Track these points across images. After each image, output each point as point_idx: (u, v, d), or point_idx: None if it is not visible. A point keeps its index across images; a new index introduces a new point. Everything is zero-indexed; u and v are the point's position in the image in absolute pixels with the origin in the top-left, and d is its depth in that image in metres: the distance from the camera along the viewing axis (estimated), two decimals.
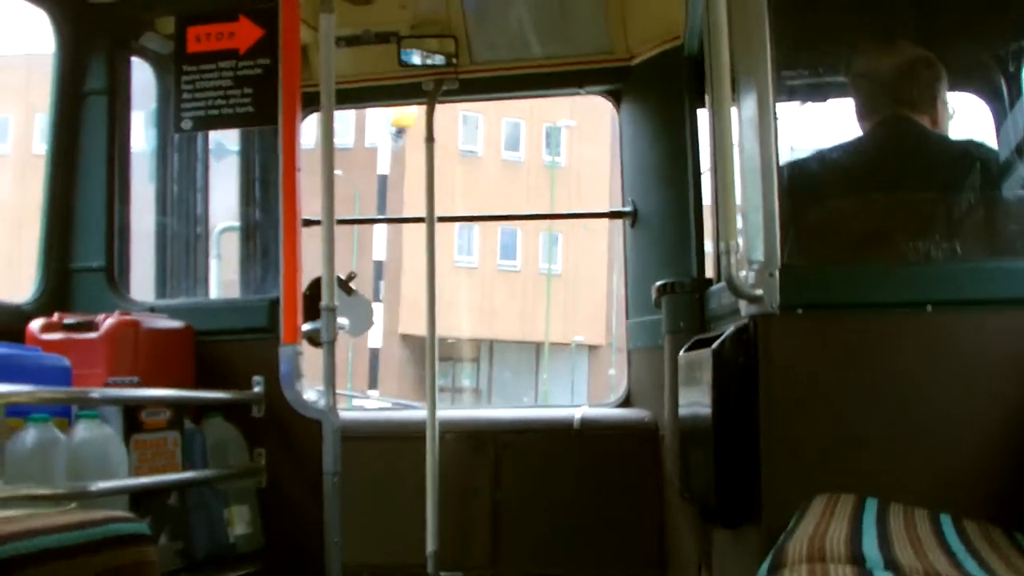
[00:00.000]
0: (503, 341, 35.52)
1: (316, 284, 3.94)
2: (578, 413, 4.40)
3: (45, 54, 4.47)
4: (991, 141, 3.66)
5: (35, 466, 3.06)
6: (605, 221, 4.83)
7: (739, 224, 2.79)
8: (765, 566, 1.88)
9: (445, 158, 29.68)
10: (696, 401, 3.04)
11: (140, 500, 3.39)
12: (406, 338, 31.15)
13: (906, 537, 2.11)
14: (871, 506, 2.41)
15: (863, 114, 3.38)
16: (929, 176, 3.29)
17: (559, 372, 34.06)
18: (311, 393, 4.04)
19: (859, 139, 3.36)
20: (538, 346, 34.93)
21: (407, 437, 4.41)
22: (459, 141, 33.92)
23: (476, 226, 34.84)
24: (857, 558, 1.83)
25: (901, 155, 3.32)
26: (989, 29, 3.80)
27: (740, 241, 2.75)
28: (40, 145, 21.67)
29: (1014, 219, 3.26)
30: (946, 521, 2.38)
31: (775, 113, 2.82)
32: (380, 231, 33.86)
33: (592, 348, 35.69)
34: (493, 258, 36.01)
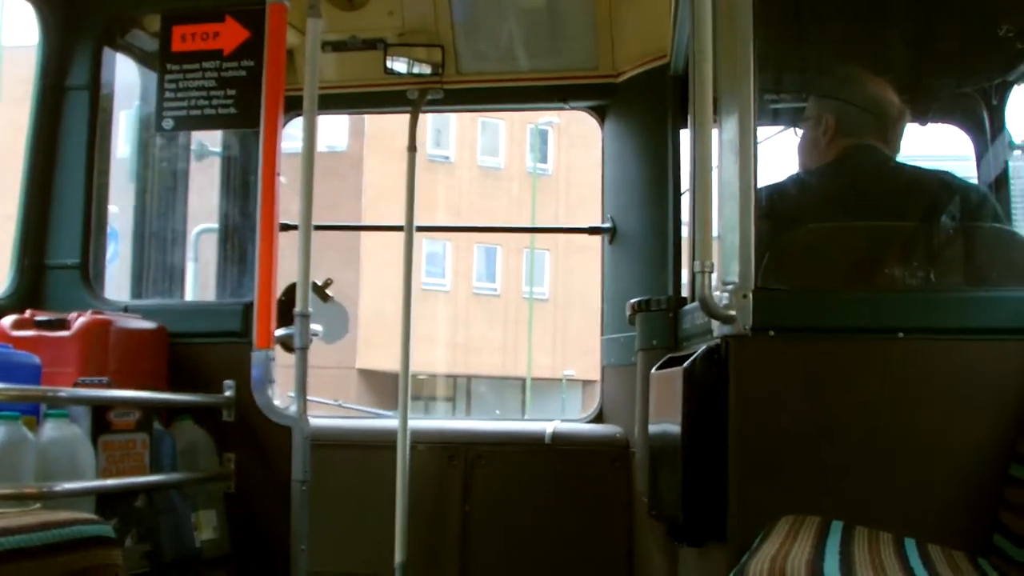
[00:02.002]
0: (482, 376, 30.47)
1: (292, 289, 3.93)
2: (550, 427, 4.40)
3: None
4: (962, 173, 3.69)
5: (2, 465, 3.03)
6: (599, 237, 4.88)
7: (715, 245, 2.80)
8: None
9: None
10: (666, 419, 3.05)
11: (107, 502, 3.37)
12: (366, 374, 27.25)
13: (869, 560, 2.11)
14: (836, 529, 2.42)
15: (831, 139, 3.40)
16: (903, 204, 3.31)
17: (547, 411, 30.03)
18: (284, 399, 4.03)
19: (831, 164, 3.38)
20: (523, 382, 30.63)
21: (378, 446, 4.39)
22: (428, 145, 29.13)
23: (448, 243, 30.30)
24: None
25: (877, 181, 3.35)
26: (970, 63, 3.84)
27: (715, 262, 2.76)
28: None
29: (985, 249, 3.27)
30: (911, 545, 2.39)
31: (755, 136, 2.83)
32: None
33: (586, 384, 28.93)
34: (468, 280, 30.67)
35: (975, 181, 3.86)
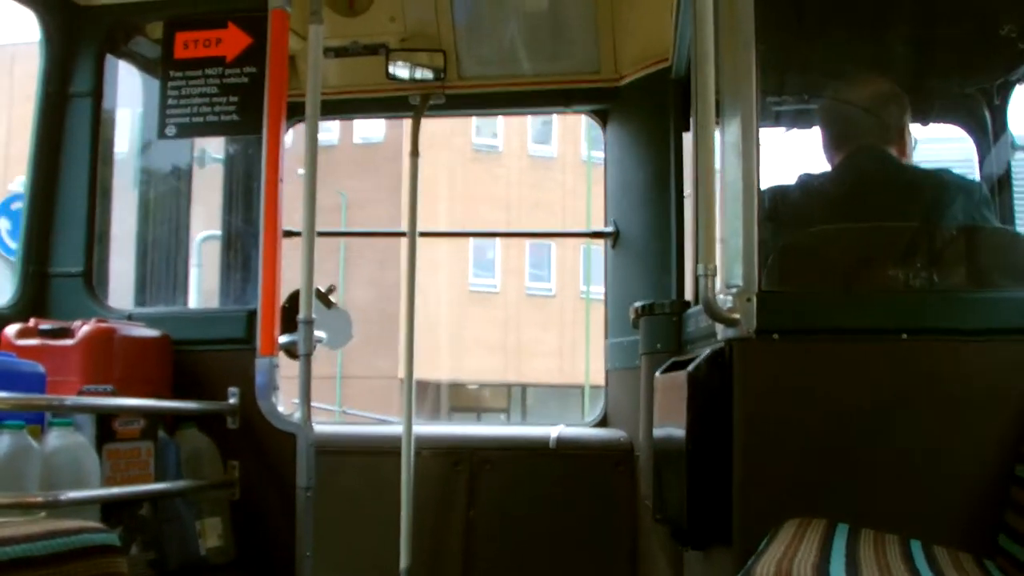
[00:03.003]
0: (538, 385, 26.67)
1: (295, 296, 3.93)
2: (554, 432, 4.40)
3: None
4: (965, 170, 3.68)
5: (7, 474, 3.03)
6: None
7: (719, 248, 2.80)
8: None
9: (456, 154, 25.29)
10: (671, 423, 3.05)
11: (112, 510, 3.37)
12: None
13: (875, 562, 2.11)
14: (842, 531, 2.41)
15: (836, 143, 3.40)
16: (908, 204, 3.31)
17: None
18: (288, 406, 4.03)
19: (835, 167, 3.38)
20: (582, 389, 26.31)
21: (383, 452, 4.39)
22: (472, 133, 26.33)
23: (497, 240, 27.55)
24: None
25: (880, 183, 3.35)
26: (972, 63, 3.84)
27: (719, 265, 2.76)
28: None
29: (989, 249, 3.27)
30: (916, 547, 2.39)
31: (758, 139, 2.83)
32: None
33: None
34: (520, 279, 26.96)
35: (976, 179, 3.85)
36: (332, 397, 22.68)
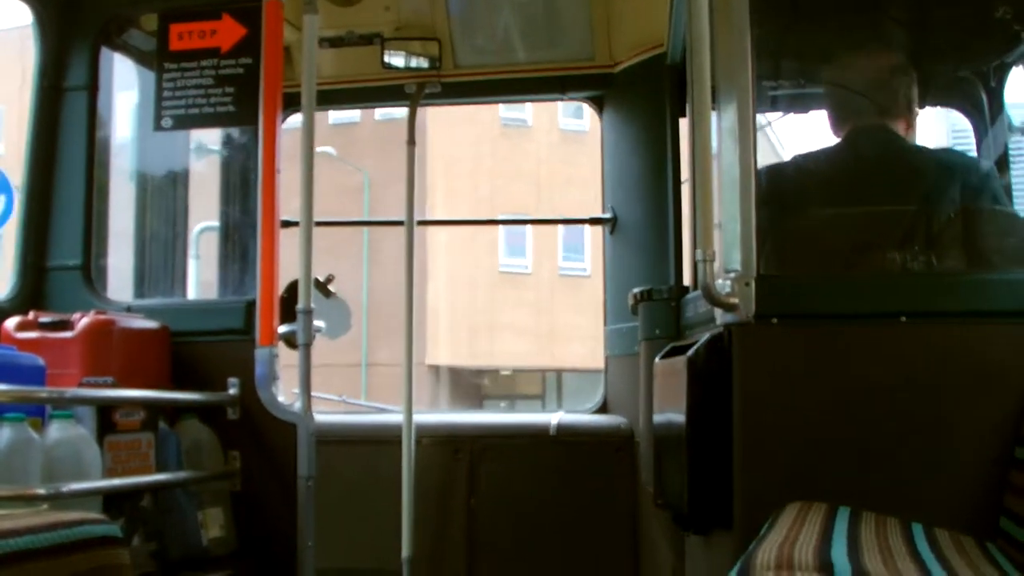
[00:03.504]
0: (575, 371, 24.30)
1: (294, 286, 3.93)
2: (554, 419, 4.40)
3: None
4: (968, 150, 3.68)
5: (8, 466, 3.04)
6: None
7: (717, 233, 2.80)
8: (733, 573, 1.88)
9: (484, 128, 24.38)
10: (670, 408, 3.05)
11: (113, 501, 3.38)
12: (437, 371, 23.74)
13: (876, 545, 2.11)
14: (843, 515, 2.42)
15: (837, 122, 3.39)
16: (907, 186, 3.31)
17: None
18: (289, 395, 4.03)
19: (835, 148, 3.38)
20: None
21: (383, 441, 4.40)
22: (501, 107, 24.39)
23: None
24: (825, 566, 1.83)
25: (879, 164, 3.34)
26: (969, 44, 3.83)
27: (717, 250, 2.76)
28: None
29: (991, 230, 3.27)
30: (918, 530, 2.39)
31: (755, 123, 2.83)
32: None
33: None
34: (553, 259, 25.46)
35: (977, 158, 3.84)
36: (358, 385, 22.19)
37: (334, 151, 21.14)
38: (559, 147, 25.46)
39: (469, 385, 24.39)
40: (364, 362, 23.03)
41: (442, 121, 23.28)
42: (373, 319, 21.32)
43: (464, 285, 23.42)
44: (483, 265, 24.42)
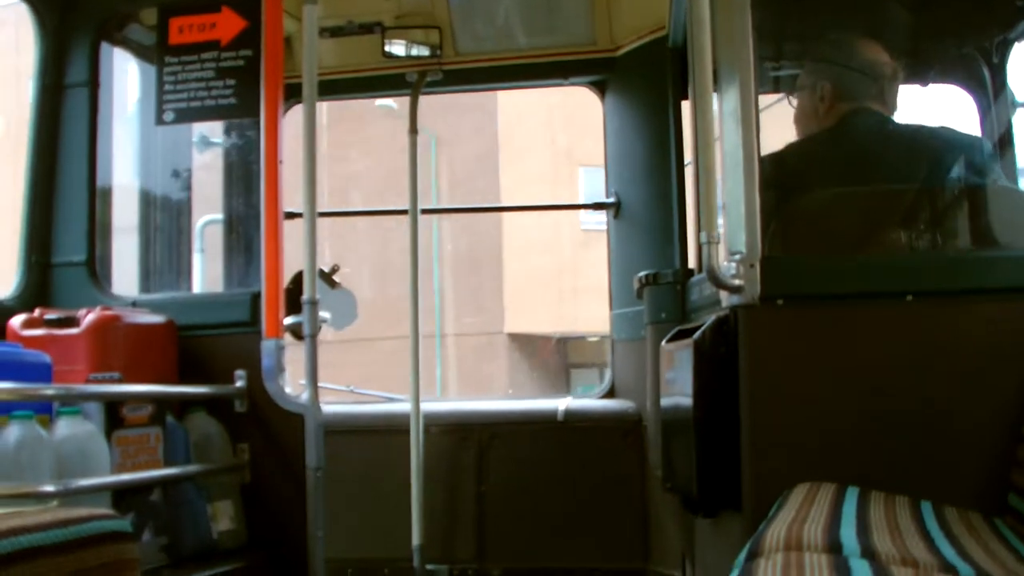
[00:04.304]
0: None
1: (299, 277, 3.93)
2: (562, 405, 4.41)
3: None
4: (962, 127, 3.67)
5: (18, 464, 3.04)
6: None
7: (721, 215, 2.80)
8: (743, 555, 1.88)
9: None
10: (677, 392, 3.05)
11: (123, 497, 3.38)
12: (517, 339, 23.08)
13: (885, 524, 2.11)
14: (852, 494, 2.42)
15: (830, 105, 3.38)
16: (907, 165, 3.30)
17: None
18: (296, 387, 4.03)
19: (832, 130, 3.37)
20: None
21: (391, 431, 4.41)
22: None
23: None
24: (834, 546, 1.83)
25: (878, 144, 3.34)
26: (971, 20, 3.82)
27: (722, 232, 2.75)
28: None
29: (993, 208, 3.26)
30: (926, 508, 2.39)
31: (757, 105, 2.82)
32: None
33: None
34: None
35: (978, 135, 3.83)
36: (433, 358, 21.03)
37: (395, 104, 19.72)
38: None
39: (552, 354, 24.03)
40: (438, 332, 22.23)
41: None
42: (443, 286, 21.02)
43: (537, 253, 22.95)
44: (563, 223, 23.74)
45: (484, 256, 22.05)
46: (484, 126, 22.21)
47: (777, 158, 3.29)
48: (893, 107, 3.38)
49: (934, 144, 3.33)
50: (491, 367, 21.89)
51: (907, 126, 3.38)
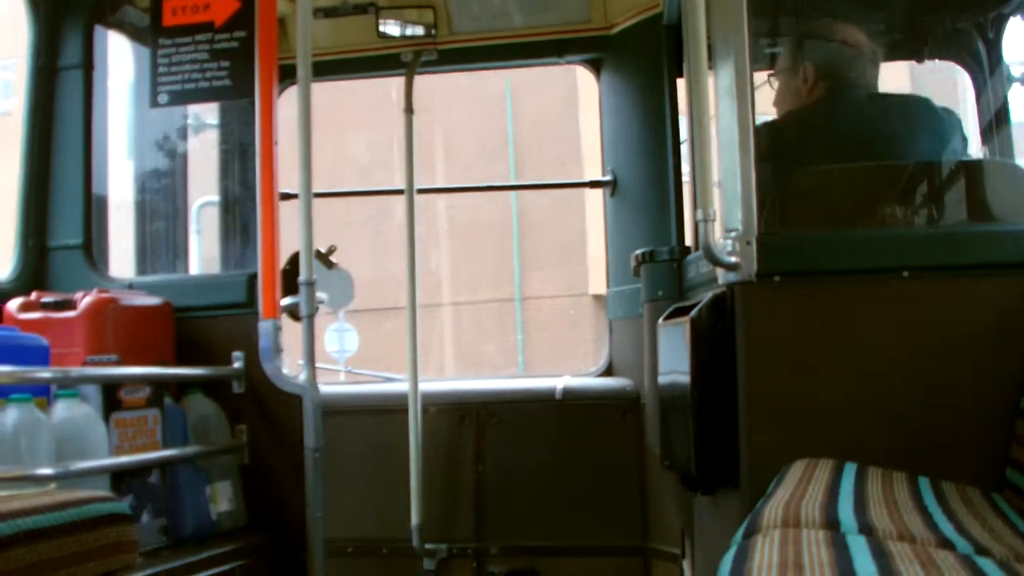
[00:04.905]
0: None
1: (296, 258, 3.93)
2: (560, 383, 4.41)
3: None
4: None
5: (16, 447, 3.05)
6: None
7: (717, 192, 2.80)
8: (741, 531, 1.89)
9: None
10: (675, 369, 3.05)
11: (121, 479, 3.39)
12: (600, 300, 24.30)
13: (883, 500, 2.12)
14: (849, 470, 2.42)
15: (815, 82, 3.39)
16: (896, 135, 3.30)
17: None
18: (294, 368, 4.03)
19: (821, 104, 3.37)
20: None
21: (389, 410, 4.41)
22: None
23: None
24: (831, 522, 1.84)
25: (868, 116, 3.34)
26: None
27: (717, 209, 2.75)
28: None
29: (989, 183, 3.26)
30: (924, 484, 2.40)
31: (752, 82, 2.82)
32: None
33: None
34: None
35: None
36: (512, 322, 20.66)
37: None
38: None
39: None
40: (518, 296, 21.69)
41: None
42: (523, 246, 20.69)
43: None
44: None
45: (563, 218, 19.76)
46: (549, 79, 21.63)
47: (769, 134, 3.29)
48: (874, 82, 3.39)
49: (920, 114, 3.33)
50: (578, 325, 20.87)
51: (890, 95, 3.38)
